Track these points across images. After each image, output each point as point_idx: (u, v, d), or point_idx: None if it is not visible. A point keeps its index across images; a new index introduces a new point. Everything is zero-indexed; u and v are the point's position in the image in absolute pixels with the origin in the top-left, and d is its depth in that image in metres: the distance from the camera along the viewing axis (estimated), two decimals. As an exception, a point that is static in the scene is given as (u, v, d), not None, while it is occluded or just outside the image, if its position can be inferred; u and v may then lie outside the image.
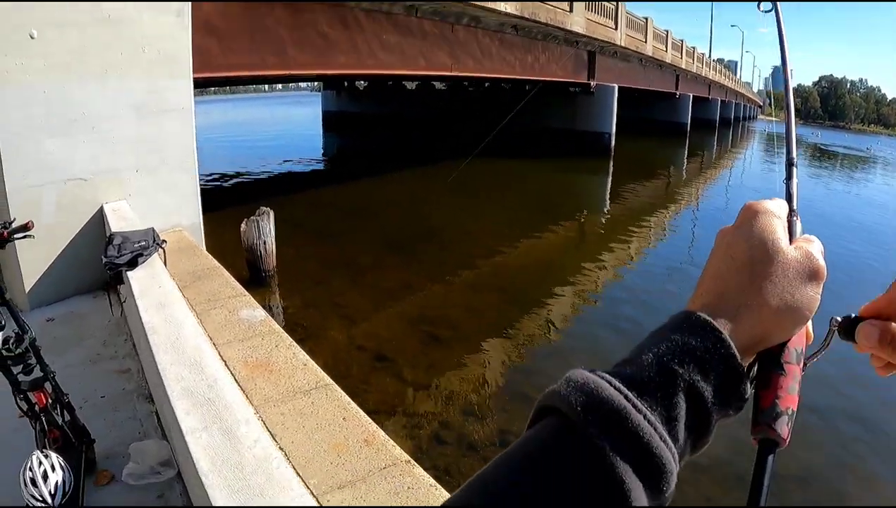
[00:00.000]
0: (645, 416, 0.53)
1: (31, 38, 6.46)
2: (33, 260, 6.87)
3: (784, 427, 0.62)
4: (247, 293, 6.37)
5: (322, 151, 37.31)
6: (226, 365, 4.79)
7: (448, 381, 7.78)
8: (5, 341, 3.55)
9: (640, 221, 18.99)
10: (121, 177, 7.56)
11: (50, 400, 3.81)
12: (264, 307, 9.65)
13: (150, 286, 4.78)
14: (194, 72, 8.24)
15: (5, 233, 3.47)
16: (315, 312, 9.79)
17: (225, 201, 17.38)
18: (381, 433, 3.86)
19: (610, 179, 27.01)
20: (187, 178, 8.43)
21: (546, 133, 32.18)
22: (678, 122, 47.32)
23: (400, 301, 10.62)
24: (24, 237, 3.56)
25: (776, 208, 0.69)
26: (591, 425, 0.52)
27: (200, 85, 10.24)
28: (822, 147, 61.88)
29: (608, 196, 23.83)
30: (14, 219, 3.57)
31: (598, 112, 30.76)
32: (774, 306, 0.63)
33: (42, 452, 3.48)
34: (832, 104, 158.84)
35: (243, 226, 10.63)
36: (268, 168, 26.64)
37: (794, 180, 0.78)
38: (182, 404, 2.90)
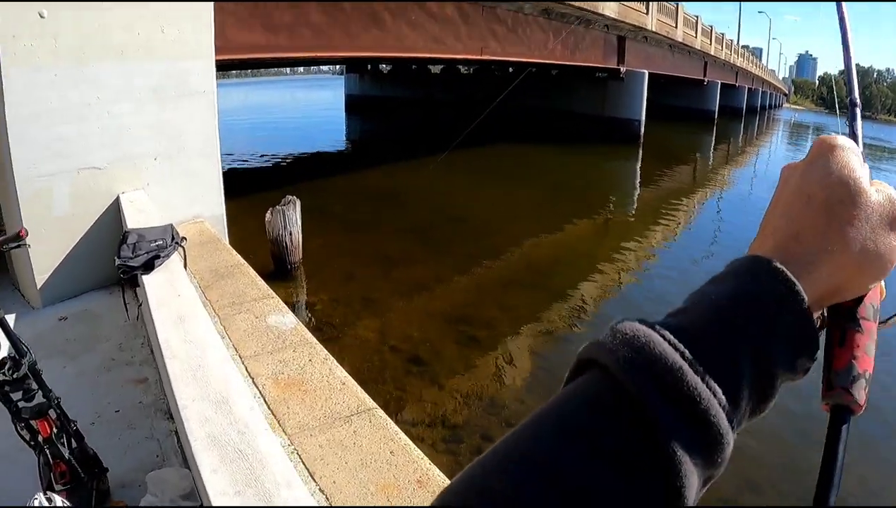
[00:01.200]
0: (703, 378, 0.46)
1: (41, 17, 5.95)
2: (46, 255, 6.39)
3: (861, 392, 0.55)
4: (274, 295, 5.89)
5: (346, 135, 36.87)
6: (253, 382, 4.30)
7: (487, 387, 7.27)
8: (1, 364, 3.05)
9: (670, 208, 18.41)
10: (138, 166, 7.04)
11: (55, 430, 3.31)
12: (291, 302, 9.40)
13: (167, 295, 4.25)
14: (219, 53, 7.71)
15: (-2, 244, 2.94)
16: (344, 309, 9.31)
17: (248, 187, 16.94)
18: (435, 470, 3.35)
19: (639, 166, 26.39)
20: (209, 166, 7.92)
21: (575, 119, 31.66)
22: (706, 110, 46.43)
23: (432, 297, 10.10)
24: (18, 246, 3.02)
25: (852, 144, 0.61)
26: (639, 385, 0.45)
27: (219, 67, 9.73)
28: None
29: (638, 183, 23.19)
30: (3, 227, 3.03)
31: (628, 98, 30.09)
32: (856, 253, 0.56)
33: (45, 495, 3.01)
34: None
35: (268, 215, 10.16)
36: (291, 152, 26.22)
37: (859, 122, 0.68)
38: (208, 458, 2.37)
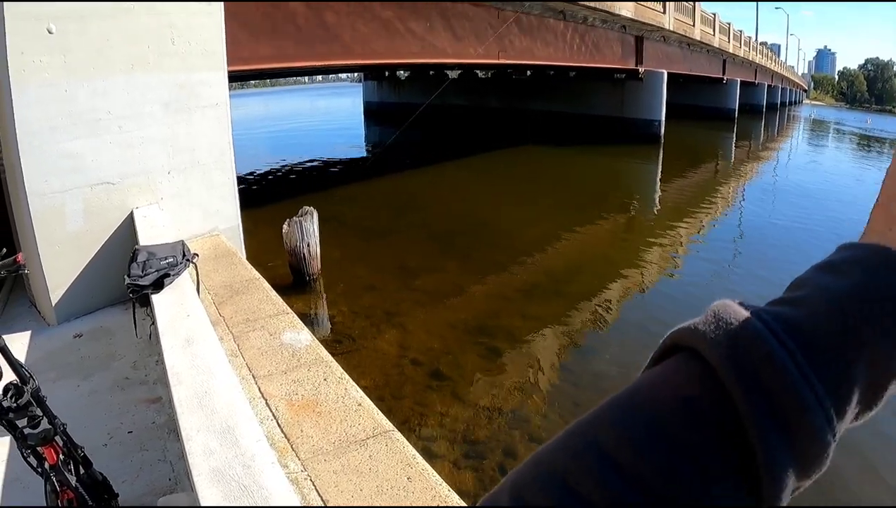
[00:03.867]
0: (812, 386, 0.41)
1: (49, 32, 5.89)
2: (60, 271, 6.34)
3: None
4: (290, 310, 5.79)
5: (364, 142, 36.86)
6: (266, 404, 4.18)
7: (510, 401, 7.10)
8: (5, 391, 2.95)
9: (693, 208, 18.17)
10: (152, 180, 6.97)
11: (61, 456, 3.20)
12: (310, 315, 9.31)
13: (176, 316, 4.14)
14: (228, 64, 7.63)
15: (-8, 270, 2.83)
16: (364, 321, 9.17)
17: (266, 197, 16.94)
18: (455, 497, 3.21)
19: (660, 167, 26.12)
20: (224, 178, 7.84)
21: (594, 121, 31.49)
22: (726, 108, 46.09)
23: (453, 307, 9.94)
24: (16, 273, 2.91)
25: None
26: (747, 391, 0.41)
27: (233, 78, 9.67)
28: (866, 133, 58.56)
29: (659, 183, 22.91)
30: (4, 251, 2.92)
31: (647, 99, 29.86)
32: None
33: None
34: (879, 87, 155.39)
35: (285, 227, 10.08)
36: (309, 161, 26.25)
37: None
38: (211, 494, 2.25)
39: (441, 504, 3.11)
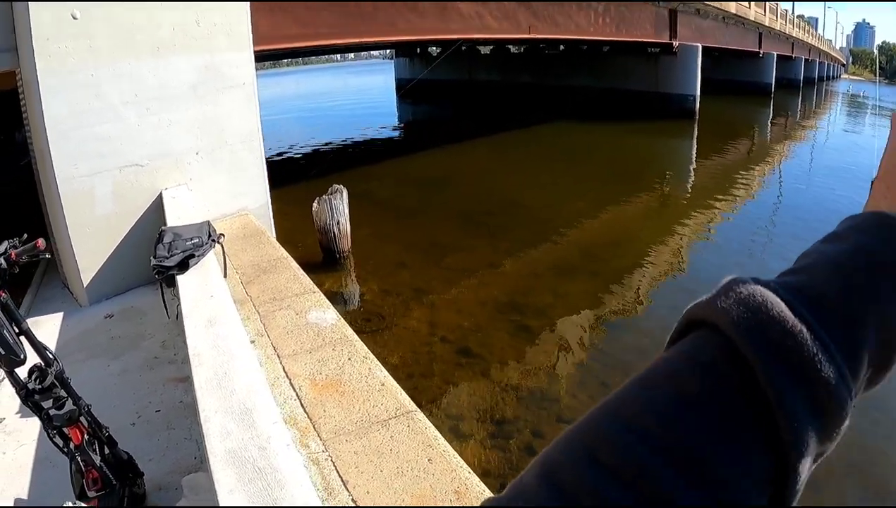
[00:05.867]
0: (824, 343, 0.43)
1: (74, 18, 5.93)
2: (91, 253, 6.43)
3: None
4: (316, 289, 5.79)
5: (396, 119, 36.79)
6: (291, 383, 4.20)
7: (539, 380, 7.06)
8: (29, 374, 2.99)
9: (729, 184, 17.80)
10: (180, 161, 7.02)
11: (86, 436, 3.24)
12: (339, 293, 9.34)
13: (200, 297, 4.17)
14: (255, 45, 7.62)
15: (13, 254, 2.85)
16: (394, 299, 9.18)
17: (298, 175, 16.92)
18: (475, 479, 3.18)
19: (695, 142, 25.71)
20: (252, 158, 7.86)
21: (628, 97, 31.05)
22: (762, 83, 44.97)
23: (484, 284, 9.89)
24: (37, 258, 2.93)
25: None
26: (756, 349, 0.43)
27: (259, 58, 9.65)
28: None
29: (695, 159, 22.54)
30: (25, 237, 2.93)
31: (681, 73, 29.29)
32: None
33: (73, 505, 2.96)
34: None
35: (315, 205, 10.10)
36: (341, 139, 26.24)
37: None
38: (226, 476, 2.25)
39: (462, 492, 3.10)
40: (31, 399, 3.03)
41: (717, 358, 0.45)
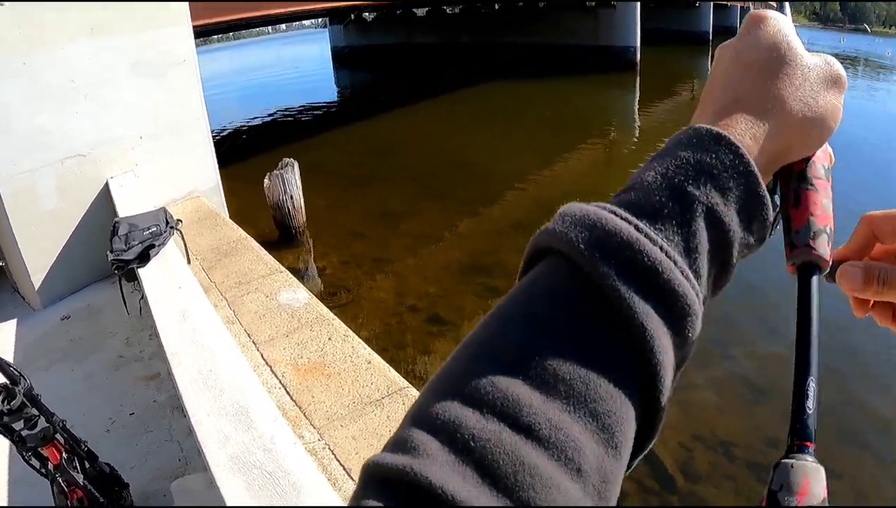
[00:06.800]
0: (662, 248, 0.44)
1: (0, 4, 5.53)
2: (39, 253, 6.07)
3: (825, 247, 0.56)
4: (283, 269, 5.59)
5: (335, 89, 36.20)
6: (272, 370, 4.00)
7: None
8: (-4, 393, 2.75)
9: (675, 131, 17.72)
10: (124, 147, 6.64)
11: (64, 454, 3.00)
12: (300, 269, 9.09)
13: (167, 290, 3.91)
14: (192, 19, 7.25)
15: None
16: (356, 270, 9.01)
17: (244, 153, 16.50)
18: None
19: (638, 94, 25.76)
20: (199, 138, 7.53)
21: (568, 51, 30.93)
22: (700, 31, 45.18)
23: (445, 248, 9.77)
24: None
25: (783, 16, 0.61)
26: (599, 263, 0.43)
27: (198, 35, 9.27)
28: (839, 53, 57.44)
29: (637, 110, 22.60)
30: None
31: (621, 25, 29.28)
32: (797, 112, 0.55)
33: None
34: (852, 6, 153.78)
35: (266, 180, 9.80)
36: (282, 112, 25.68)
37: (787, 9, 0.63)
38: (234, 486, 2.06)
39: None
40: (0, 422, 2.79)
41: (563, 281, 0.45)
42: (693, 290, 0.44)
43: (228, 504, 1.98)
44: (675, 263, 0.44)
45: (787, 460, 0.48)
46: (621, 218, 0.45)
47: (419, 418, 0.42)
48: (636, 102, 24.22)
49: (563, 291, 0.44)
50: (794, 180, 0.58)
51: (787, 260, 0.57)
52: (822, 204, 0.57)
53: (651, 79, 27.93)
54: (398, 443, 0.41)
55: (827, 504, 0.46)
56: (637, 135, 18.91)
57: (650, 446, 0.46)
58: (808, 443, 0.49)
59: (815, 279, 0.55)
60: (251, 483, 2.05)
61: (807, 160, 0.58)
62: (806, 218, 0.56)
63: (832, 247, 0.56)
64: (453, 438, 0.39)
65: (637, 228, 0.44)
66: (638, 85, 27.06)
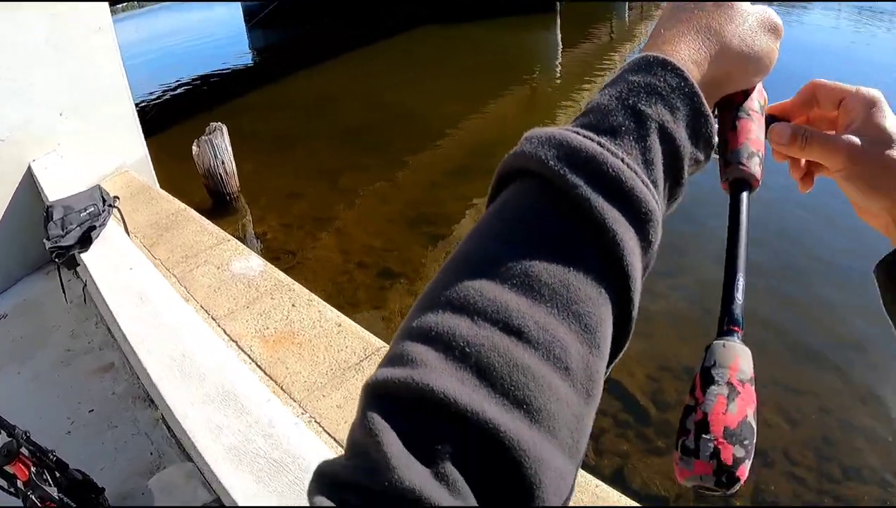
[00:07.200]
0: (623, 160, 0.48)
1: None
2: (-37, 250, 5.67)
3: (756, 167, 0.62)
4: (231, 237, 5.34)
5: (250, 50, 35.15)
6: (238, 346, 3.77)
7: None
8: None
9: (595, 70, 17.56)
10: (44, 126, 6.17)
11: (33, 469, 2.76)
12: (240, 236, 8.76)
13: (116, 273, 3.62)
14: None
15: None
16: (297, 231, 8.74)
17: (165, 123, 15.86)
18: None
19: (559, 33, 25.63)
20: (122, 109, 7.10)
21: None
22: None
23: (386, 201, 9.56)
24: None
25: None
26: (569, 175, 0.47)
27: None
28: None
29: (560, 50, 22.54)
30: None
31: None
32: (736, 46, 0.60)
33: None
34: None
35: (195, 148, 9.34)
36: (199, 76, 24.82)
37: None
38: (240, 480, 1.85)
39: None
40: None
41: (535, 197, 0.47)
42: (654, 198, 0.48)
43: (239, 505, 1.78)
44: (636, 173, 0.47)
45: (718, 341, 0.52)
46: (583, 136, 0.48)
47: (412, 332, 0.43)
48: (558, 41, 24.07)
49: (535, 205, 0.47)
50: (733, 110, 0.64)
51: (721, 177, 0.63)
52: (756, 132, 0.63)
53: (571, 17, 27.64)
54: (394, 359, 0.42)
55: (754, 381, 0.50)
56: (559, 74, 18.90)
57: (625, 346, 0.48)
58: (737, 328, 0.53)
59: (745, 194, 0.61)
60: (259, 475, 1.85)
61: (746, 94, 0.64)
62: (742, 141, 0.62)
63: (762, 169, 0.62)
64: (449, 346, 0.40)
65: (600, 144, 0.48)
66: (558, 25, 26.87)
